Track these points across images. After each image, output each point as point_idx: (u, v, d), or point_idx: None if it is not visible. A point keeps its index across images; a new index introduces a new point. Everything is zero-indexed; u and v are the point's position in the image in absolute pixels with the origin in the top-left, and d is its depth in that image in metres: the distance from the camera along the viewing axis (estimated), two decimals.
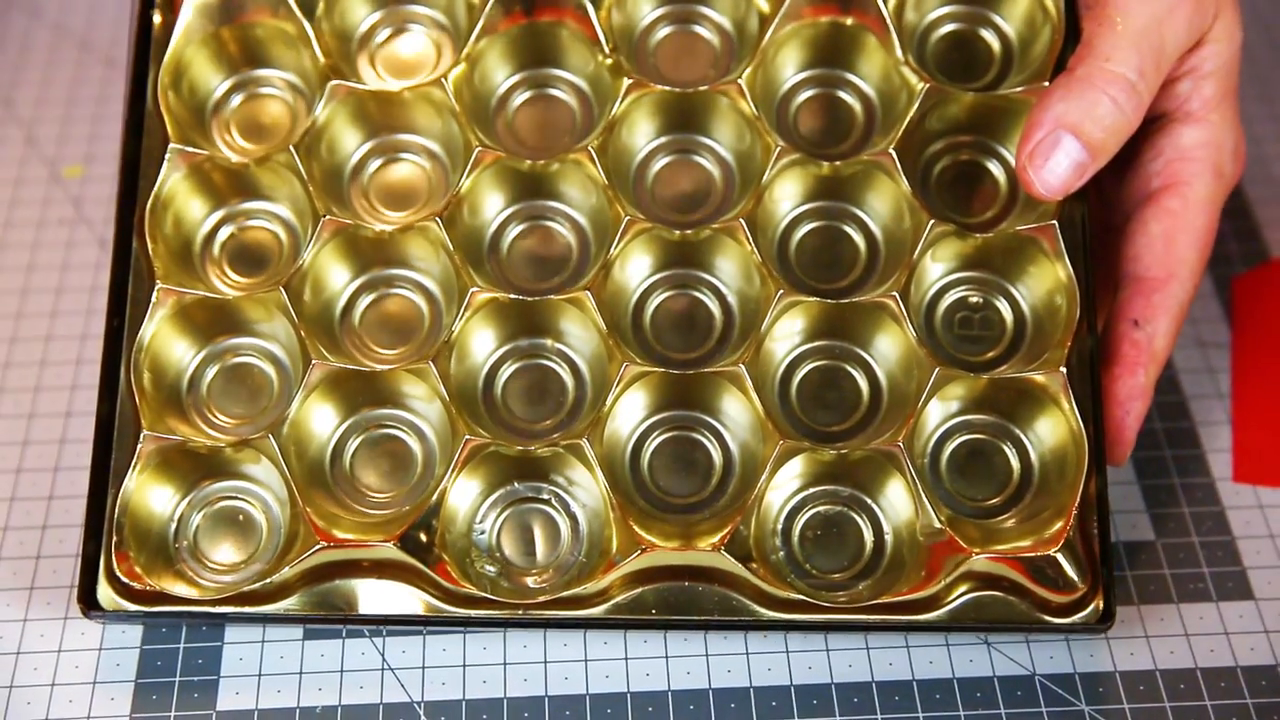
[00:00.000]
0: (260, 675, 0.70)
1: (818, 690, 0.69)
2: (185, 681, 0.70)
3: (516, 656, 0.70)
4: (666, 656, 0.70)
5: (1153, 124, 0.74)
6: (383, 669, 0.70)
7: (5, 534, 0.75)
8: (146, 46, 0.78)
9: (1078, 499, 0.69)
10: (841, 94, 0.81)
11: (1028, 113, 0.72)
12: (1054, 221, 0.73)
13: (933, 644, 0.70)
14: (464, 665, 0.70)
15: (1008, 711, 0.68)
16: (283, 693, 0.69)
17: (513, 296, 0.74)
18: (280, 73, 0.81)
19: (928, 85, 0.76)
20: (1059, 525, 0.69)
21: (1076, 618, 0.68)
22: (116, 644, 0.71)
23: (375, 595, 0.70)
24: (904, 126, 0.76)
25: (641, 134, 0.79)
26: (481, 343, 0.75)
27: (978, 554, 0.68)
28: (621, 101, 0.77)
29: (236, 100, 0.81)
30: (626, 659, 0.70)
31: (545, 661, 0.70)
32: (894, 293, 0.73)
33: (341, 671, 0.70)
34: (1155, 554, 0.73)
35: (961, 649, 0.70)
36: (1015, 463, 0.72)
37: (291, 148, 0.76)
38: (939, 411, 0.73)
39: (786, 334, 0.74)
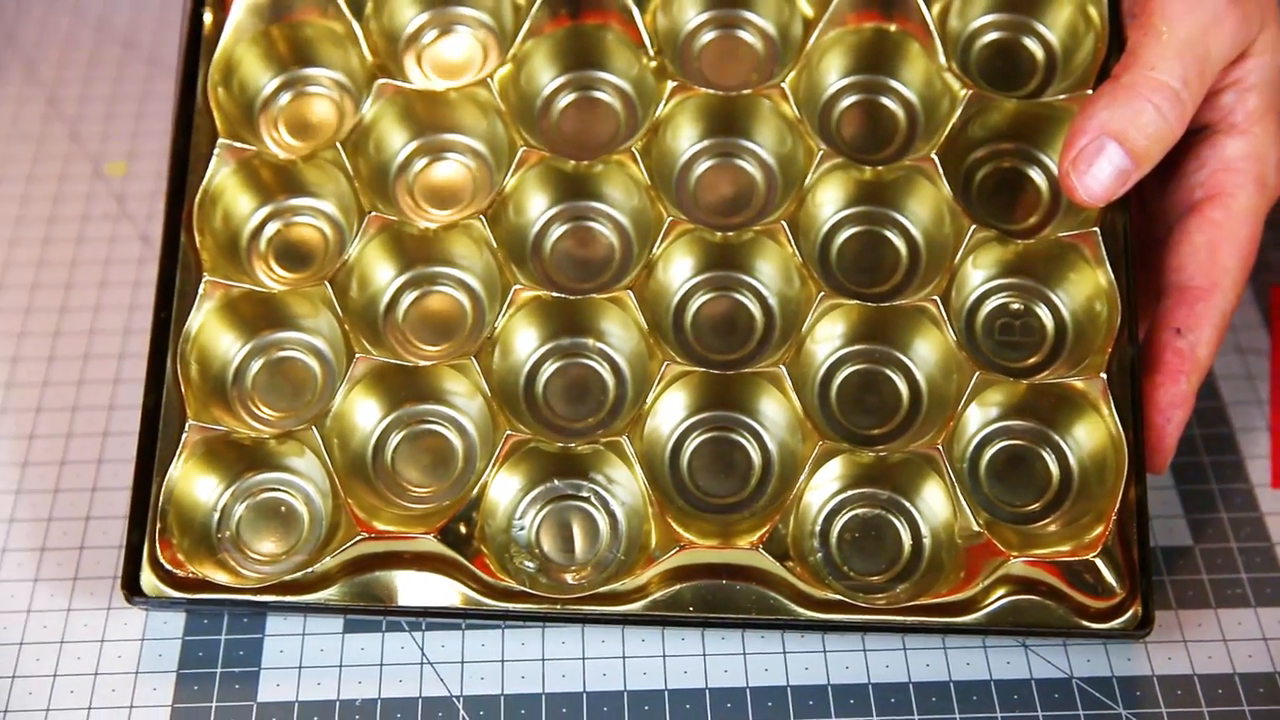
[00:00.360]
0: (301, 667, 0.70)
1: (855, 690, 0.69)
2: (226, 673, 0.70)
3: (555, 652, 0.70)
4: (704, 654, 0.70)
5: (1196, 135, 0.74)
6: (422, 663, 0.70)
7: (50, 525, 0.76)
8: (197, 44, 0.79)
9: (1117, 505, 0.69)
10: (884, 100, 0.81)
11: (1071, 120, 0.72)
12: (1095, 229, 0.73)
13: (970, 645, 0.70)
14: (503, 660, 0.70)
15: (1045, 714, 0.68)
16: (323, 685, 0.70)
17: (555, 295, 0.74)
18: (328, 71, 0.81)
19: (970, 92, 0.76)
20: (1098, 531, 0.69)
21: (1115, 623, 0.68)
22: (159, 634, 0.71)
23: (415, 587, 0.70)
24: (946, 132, 0.76)
25: (685, 137, 0.80)
26: (524, 341, 0.75)
27: (1016, 557, 0.68)
28: (665, 104, 0.78)
29: (285, 98, 0.81)
30: (664, 656, 0.70)
31: (583, 658, 0.70)
32: (935, 296, 0.73)
33: (381, 665, 0.70)
34: (1193, 559, 0.73)
35: (999, 651, 0.70)
36: (1054, 469, 0.72)
37: (339, 145, 0.76)
38: (978, 417, 0.73)
39: (827, 337, 0.75)
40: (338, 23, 0.79)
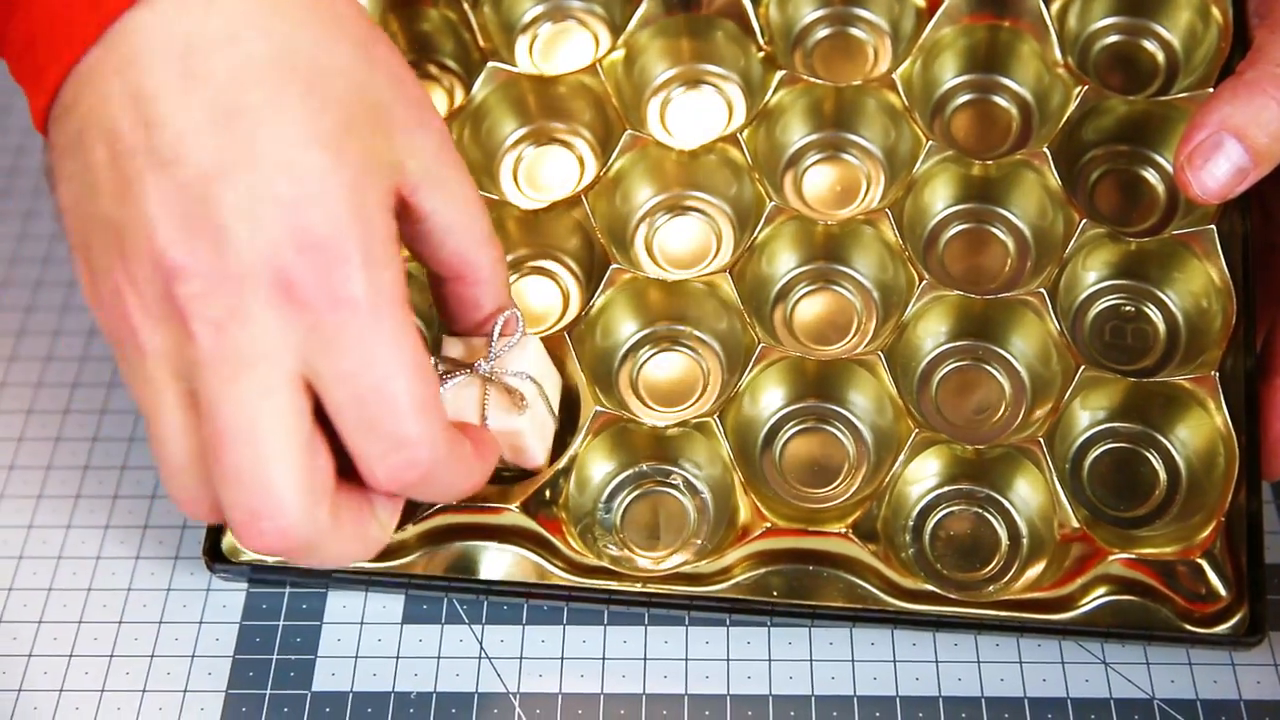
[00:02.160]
0: (357, 657, 0.69)
1: (925, 702, 0.66)
2: (282, 659, 0.69)
3: (615, 652, 0.68)
4: (769, 659, 0.68)
5: None
6: (480, 657, 0.68)
7: (123, 473, 0.75)
8: None
9: (1226, 506, 0.66)
10: (998, 99, 0.80)
11: (1190, 116, 0.69)
12: (1211, 225, 0.71)
13: (1047, 660, 0.67)
14: (562, 658, 0.68)
15: None
16: (378, 676, 0.68)
17: (654, 274, 0.74)
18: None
19: (1085, 87, 0.74)
20: (1205, 532, 0.66)
21: (1220, 629, 0.65)
22: (216, 618, 0.70)
23: (493, 561, 0.69)
24: (1060, 126, 0.74)
25: (794, 129, 0.79)
26: (622, 327, 0.74)
27: (1116, 555, 0.65)
28: (773, 93, 0.77)
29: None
30: (728, 660, 0.68)
31: (645, 659, 0.68)
32: (1042, 289, 0.71)
33: (439, 658, 0.68)
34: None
35: (1078, 668, 0.67)
36: (1162, 473, 0.70)
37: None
38: (1083, 418, 0.71)
39: (930, 331, 0.73)
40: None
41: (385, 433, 0.56)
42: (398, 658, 0.69)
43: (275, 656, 0.69)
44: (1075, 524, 0.66)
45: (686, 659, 0.68)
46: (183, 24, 0.56)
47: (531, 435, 0.66)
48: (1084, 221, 0.71)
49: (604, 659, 0.68)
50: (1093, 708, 0.66)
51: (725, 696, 0.67)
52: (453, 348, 0.67)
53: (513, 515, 0.68)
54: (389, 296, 0.56)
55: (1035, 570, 0.67)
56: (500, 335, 0.66)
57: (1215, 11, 0.75)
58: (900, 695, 0.67)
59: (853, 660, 0.68)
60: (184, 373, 0.55)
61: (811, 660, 0.68)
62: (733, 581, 0.68)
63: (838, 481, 0.71)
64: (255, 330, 0.54)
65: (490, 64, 0.78)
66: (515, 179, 0.79)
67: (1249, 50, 0.69)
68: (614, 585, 0.68)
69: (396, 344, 0.56)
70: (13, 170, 0.89)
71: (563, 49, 0.82)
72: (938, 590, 0.66)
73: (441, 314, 0.67)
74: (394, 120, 0.59)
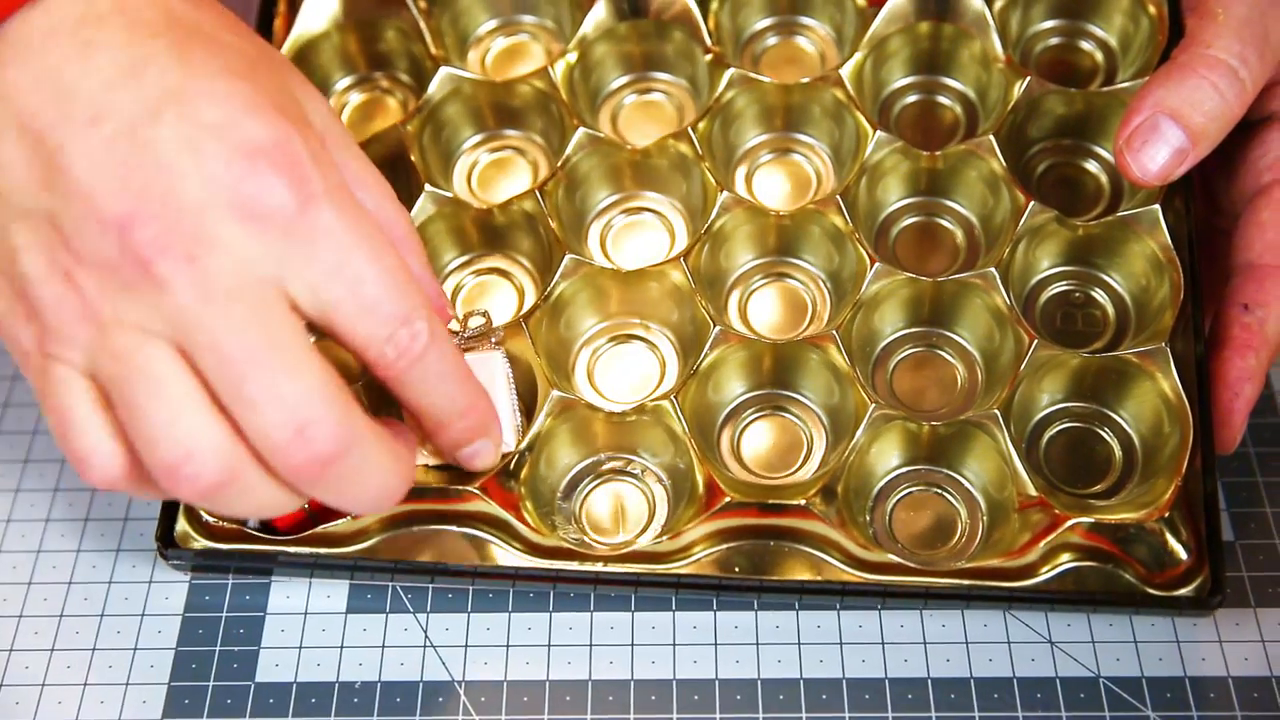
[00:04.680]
0: (301, 648, 0.68)
1: (871, 684, 0.66)
2: (225, 651, 0.68)
3: (561, 639, 0.68)
4: (716, 644, 0.67)
5: (1261, 125, 0.72)
6: (425, 646, 0.68)
7: (63, 466, 0.74)
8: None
9: (1182, 472, 0.66)
10: (941, 98, 0.81)
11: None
12: (1155, 205, 0.71)
13: (994, 640, 0.67)
14: (507, 645, 0.68)
15: (1069, 715, 0.64)
16: (322, 666, 0.67)
17: (609, 266, 0.74)
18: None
19: (1028, 79, 0.75)
20: (1164, 498, 0.66)
21: (1182, 591, 0.65)
22: (159, 610, 0.69)
23: (454, 546, 0.69)
24: (1005, 114, 0.75)
25: (744, 130, 0.79)
26: (582, 319, 0.75)
27: (1075, 520, 0.66)
28: (724, 90, 0.77)
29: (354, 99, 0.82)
30: (674, 645, 0.67)
31: (590, 644, 0.68)
32: (991, 268, 0.71)
33: (383, 647, 0.68)
34: (1234, 555, 0.69)
35: (1024, 647, 0.67)
36: (1117, 451, 0.70)
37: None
38: (1038, 399, 0.71)
39: (885, 319, 0.73)
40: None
41: (388, 312, 0.56)
42: (342, 647, 0.68)
43: (218, 648, 0.68)
44: (1033, 492, 0.66)
45: (632, 645, 0.67)
46: (68, 10, 0.55)
47: (502, 404, 0.67)
48: (1032, 204, 0.72)
49: (549, 645, 0.68)
50: (1038, 686, 0.65)
51: (671, 681, 0.66)
52: None
53: (475, 500, 0.68)
54: (340, 183, 0.56)
55: (995, 547, 0.67)
56: (464, 338, 0.68)
57: (1150, 8, 0.77)
58: (847, 678, 0.66)
59: (799, 644, 0.67)
60: (165, 332, 0.54)
61: (758, 644, 0.67)
62: (693, 559, 0.68)
63: (796, 467, 0.71)
64: (229, 257, 0.54)
65: (443, 69, 0.78)
66: (469, 184, 0.80)
67: (1182, 39, 0.70)
68: (566, 565, 0.67)
69: (364, 225, 0.56)
70: None
71: (515, 62, 0.82)
72: (900, 560, 0.66)
73: None
74: (292, 79, 0.60)
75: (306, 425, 0.55)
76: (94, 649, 0.68)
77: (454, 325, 0.68)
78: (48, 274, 0.55)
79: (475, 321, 0.70)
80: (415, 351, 0.57)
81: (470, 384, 0.61)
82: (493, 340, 0.69)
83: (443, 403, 0.61)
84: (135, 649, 0.68)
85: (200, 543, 0.69)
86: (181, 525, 0.69)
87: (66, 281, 0.54)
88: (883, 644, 0.67)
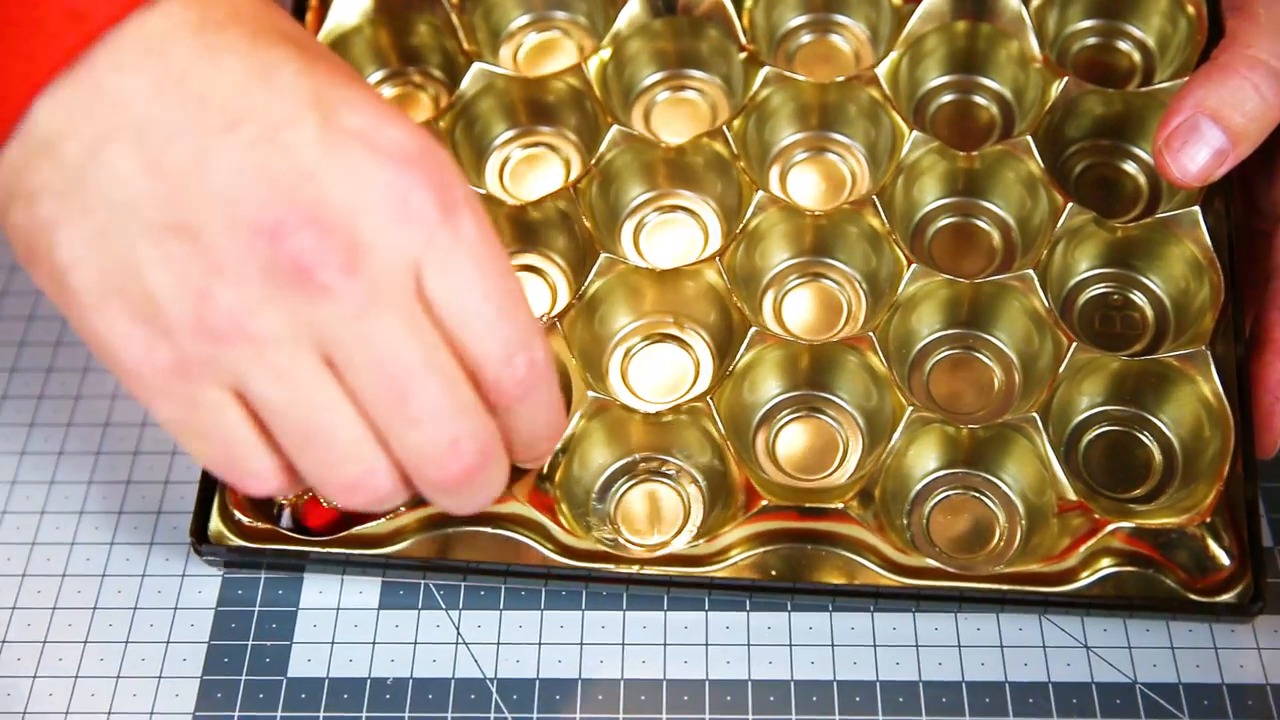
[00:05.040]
0: (333, 643, 0.68)
1: (905, 687, 0.66)
2: (257, 645, 0.68)
3: (594, 637, 0.68)
4: (748, 645, 0.67)
5: None
6: (457, 643, 0.68)
7: (98, 459, 0.75)
8: None
9: (1224, 477, 0.66)
10: (978, 98, 0.80)
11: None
12: (1195, 207, 0.71)
13: (1029, 645, 0.67)
14: (540, 643, 0.68)
15: None
16: (354, 662, 0.67)
17: (644, 265, 0.74)
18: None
19: (1066, 79, 0.75)
20: (1205, 503, 0.65)
21: (1223, 598, 0.65)
22: (192, 604, 0.69)
23: (489, 547, 0.68)
24: (1043, 114, 0.75)
25: (779, 129, 0.79)
26: (616, 318, 0.74)
27: (1115, 525, 0.65)
28: (759, 88, 0.77)
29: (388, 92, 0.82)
30: (707, 645, 0.67)
31: (623, 643, 0.67)
32: (1029, 270, 0.71)
33: (415, 644, 0.68)
34: (1272, 561, 0.69)
35: (1059, 652, 0.66)
36: (1157, 455, 0.70)
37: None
38: (1076, 403, 0.71)
39: (922, 321, 0.73)
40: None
41: (510, 334, 0.54)
42: (374, 643, 0.68)
43: (250, 642, 0.68)
44: (1072, 496, 0.66)
45: (665, 644, 0.67)
46: (185, 15, 0.53)
47: None
48: (1070, 205, 0.72)
49: (582, 644, 0.68)
50: (1074, 692, 0.65)
51: (704, 682, 0.66)
52: None
53: (510, 502, 0.67)
54: (474, 195, 0.54)
55: (1034, 553, 0.67)
56: None
57: (1189, 8, 0.76)
58: (880, 680, 0.66)
59: (832, 645, 0.67)
60: (316, 344, 0.52)
61: (791, 645, 0.67)
62: (729, 562, 0.67)
63: (832, 469, 0.70)
64: (383, 265, 0.52)
65: (476, 64, 0.78)
66: (501, 181, 0.79)
67: (1222, 39, 0.69)
68: (599, 566, 0.67)
69: (497, 240, 0.55)
70: None
71: (547, 58, 0.82)
72: (938, 565, 0.66)
73: None
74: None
75: (459, 439, 0.54)
76: (127, 642, 0.68)
77: None
78: (179, 292, 0.51)
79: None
80: (530, 380, 0.56)
81: (562, 412, 0.60)
82: None
83: (538, 429, 0.59)
84: (168, 642, 0.68)
85: (234, 541, 0.69)
86: (215, 524, 0.69)
87: (202, 299, 0.51)
88: (917, 647, 0.67)
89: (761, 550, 0.68)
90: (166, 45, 0.52)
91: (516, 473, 0.67)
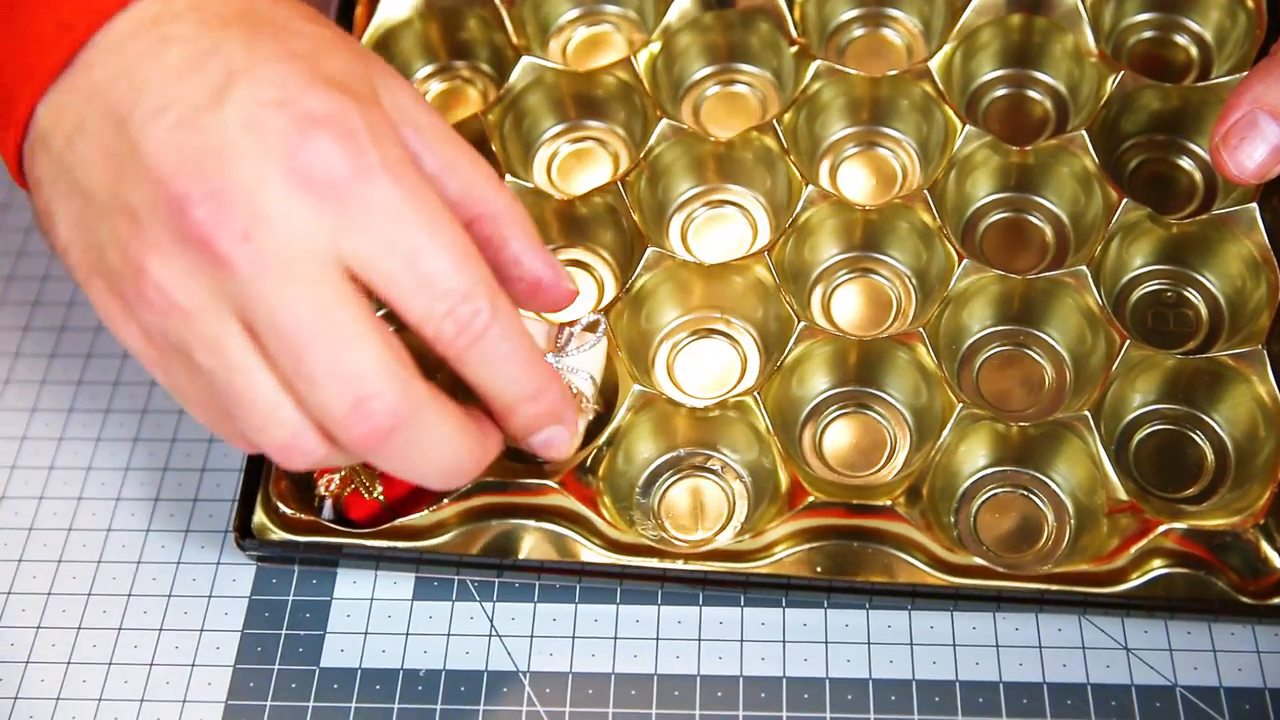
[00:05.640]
0: (366, 634, 0.68)
1: (941, 687, 0.65)
2: (291, 635, 0.68)
3: (628, 632, 0.67)
4: (784, 641, 0.66)
5: None
6: (490, 635, 0.67)
7: (135, 445, 0.74)
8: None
9: (1278, 478, 0.65)
10: (1032, 93, 0.79)
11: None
12: (1253, 204, 0.70)
13: (1069, 646, 0.66)
14: (573, 637, 0.67)
15: None
16: (387, 653, 0.67)
17: (691, 260, 0.73)
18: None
19: (1121, 73, 0.74)
20: (1259, 504, 0.64)
21: (1276, 600, 0.64)
22: (226, 593, 0.69)
23: (531, 541, 0.68)
24: (1098, 108, 0.74)
25: (829, 123, 0.79)
26: (663, 313, 0.74)
27: (1167, 526, 0.64)
28: (810, 82, 0.76)
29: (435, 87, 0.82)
30: (741, 641, 0.66)
31: (657, 639, 0.67)
32: (1083, 267, 0.70)
33: (448, 635, 0.67)
34: None
35: (1099, 653, 0.65)
36: (1210, 454, 0.69)
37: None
38: (1129, 401, 0.70)
39: (973, 317, 0.72)
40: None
41: (446, 287, 0.55)
42: (407, 634, 0.68)
43: (284, 632, 0.68)
44: (1124, 496, 0.65)
45: (699, 640, 0.67)
46: (148, 10, 0.56)
47: (579, 435, 0.66)
48: (1125, 201, 0.71)
49: (616, 638, 0.67)
50: (1113, 694, 0.64)
51: (738, 678, 0.65)
52: None
53: (553, 494, 0.67)
54: (401, 158, 0.55)
55: (1083, 552, 0.66)
56: (575, 335, 0.67)
57: (1249, 1, 0.75)
58: (916, 679, 0.65)
59: (868, 643, 0.66)
60: (234, 311, 0.54)
61: (827, 643, 0.66)
62: (774, 558, 0.67)
63: (879, 465, 0.70)
64: (285, 228, 0.53)
65: (525, 58, 0.77)
66: (549, 175, 0.79)
67: None
68: (635, 561, 0.67)
69: (424, 199, 0.55)
70: None
71: (596, 52, 0.82)
72: (987, 565, 0.65)
73: None
74: (371, 65, 0.59)
75: (365, 399, 0.54)
76: (161, 629, 0.68)
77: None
78: (123, 267, 0.55)
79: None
80: (476, 329, 0.56)
81: (539, 367, 0.60)
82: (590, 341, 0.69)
83: (508, 385, 0.60)
84: (201, 630, 0.68)
85: (277, 534, 0.68)
86: (259, 517, 0.69)
87: (140, 275, 0.55)
88: (954, 646, 0.66)
89: (807, 547, 0.67)
90: (125, 42, 0.56)
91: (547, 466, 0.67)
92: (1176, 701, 0.64)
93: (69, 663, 0.67)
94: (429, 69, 0.82)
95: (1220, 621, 0.66)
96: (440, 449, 0.58)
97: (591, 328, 0.68)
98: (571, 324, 0.68)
